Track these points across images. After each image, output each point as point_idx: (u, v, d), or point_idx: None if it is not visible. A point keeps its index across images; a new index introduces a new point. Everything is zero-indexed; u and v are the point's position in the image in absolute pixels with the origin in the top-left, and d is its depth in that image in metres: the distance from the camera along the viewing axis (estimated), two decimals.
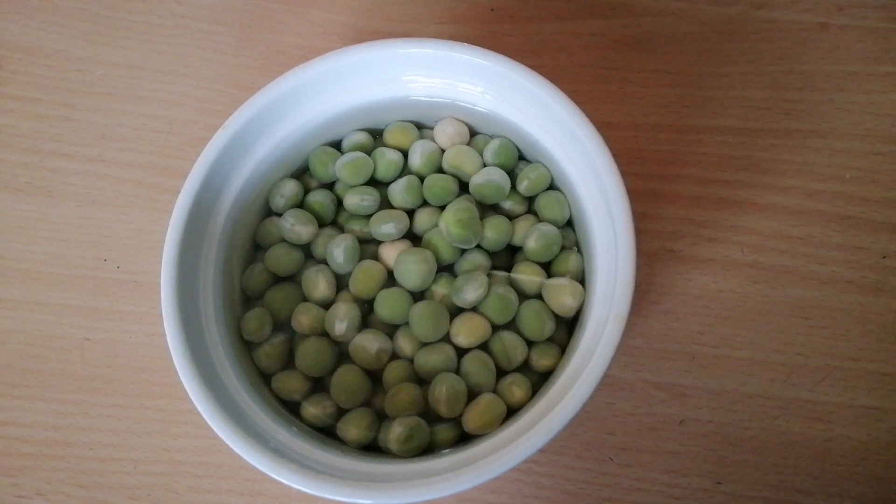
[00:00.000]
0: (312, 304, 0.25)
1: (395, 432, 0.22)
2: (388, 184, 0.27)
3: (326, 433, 0.24)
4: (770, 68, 0.32)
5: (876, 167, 0.30)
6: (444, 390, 0.23)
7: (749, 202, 0.30)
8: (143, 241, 0.32)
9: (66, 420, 0.29)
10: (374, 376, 0.24)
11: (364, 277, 0.25)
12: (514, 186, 0.26)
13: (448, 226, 0.24)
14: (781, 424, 0.27)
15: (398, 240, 0.26)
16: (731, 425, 0.27)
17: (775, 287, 0.29)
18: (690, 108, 0.32)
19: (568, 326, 0.25)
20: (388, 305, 0.24)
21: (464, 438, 0.23)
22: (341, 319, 0.24)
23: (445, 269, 0.25)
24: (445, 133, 0.27)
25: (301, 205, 0.27)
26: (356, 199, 0.26)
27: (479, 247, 0.25)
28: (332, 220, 0.27)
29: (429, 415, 0.23)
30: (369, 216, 0.26)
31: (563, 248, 0.25)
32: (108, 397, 0.30)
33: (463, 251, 0.25)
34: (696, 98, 0.32)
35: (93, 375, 0.30)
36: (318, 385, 0.25)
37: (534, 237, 0.25)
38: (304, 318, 0.25)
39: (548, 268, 0.25)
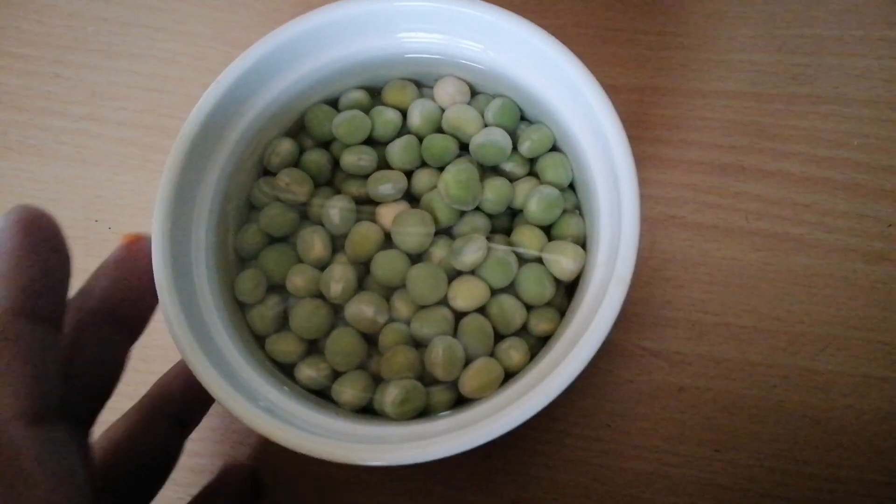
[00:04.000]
0: (307, 265, 0.25)
1: (390, 395, 0.22)
2: (386, 143, 0.26)
3: (321, 396, 0.24)
4: (780, 31, 0.31)
5: (885, 134, 0.30)
6: (440, 353, 0.22)
7: (754, 168, 0.29)
8: (136, 202, 0.31)
9: None
10: (369, 339, 0.24)
11: (360, 239, 0.24)
12: (515, 147, 0.25)
13: (447, 187, 0.24)
14: (781, 393, 0.27)
15: (396, 201, 0.25)
16: (731, 394, 0.27)
17: (779, 254, 0.28)
18: (696, 72, 0.31)
19: (567, 291, 0.25)
20: (384, 267, 0.24)
21: (460, 402, 0.23)
22: (337, 281, 0.24)
23: (444, 231, 0.25)
24: (446, 92, 0.26)
25: (297, 164, 0.26)
26: (353, 159, 0.25)
27: (478, 209, 0.25)
28: (329, 180, 0.26)
29: (425, 378, 0.23)
30: (366, 176, 0.25)
31: (564, 212, 0.25)
32: None
33: (462, 213, 0.25)
34: (703, 61, 0.31)
35: None
36: (313, 347, 0.24)
37: (535, 200, 0.24)
38: (298, 280, 0.24)
39: (548, 231, 0.25)
